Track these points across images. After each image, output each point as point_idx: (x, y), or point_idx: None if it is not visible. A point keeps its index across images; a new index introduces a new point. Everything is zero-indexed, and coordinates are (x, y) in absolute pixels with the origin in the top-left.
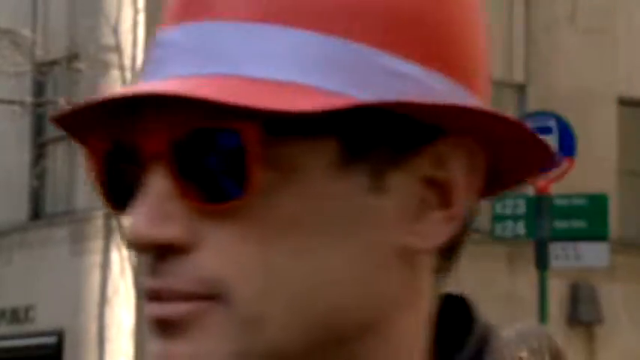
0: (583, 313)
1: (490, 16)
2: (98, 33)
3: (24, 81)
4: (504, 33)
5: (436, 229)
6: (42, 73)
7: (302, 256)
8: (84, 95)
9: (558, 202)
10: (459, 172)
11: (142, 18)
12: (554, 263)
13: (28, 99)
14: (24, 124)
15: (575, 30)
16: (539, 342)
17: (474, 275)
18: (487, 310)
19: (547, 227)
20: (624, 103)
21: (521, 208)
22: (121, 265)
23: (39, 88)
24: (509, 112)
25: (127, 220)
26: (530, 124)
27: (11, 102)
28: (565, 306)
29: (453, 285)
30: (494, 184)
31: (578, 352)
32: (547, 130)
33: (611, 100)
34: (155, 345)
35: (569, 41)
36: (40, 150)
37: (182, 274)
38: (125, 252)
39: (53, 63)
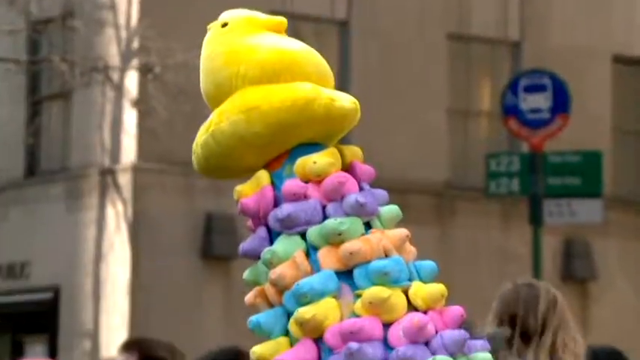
0: (577, 269)
1: None
2: None
3: (19, 39)
4: None
5: None
6: (37, 31)
7: None
8: (79, 53)
9: (552, 159)
10: None
11: None
12: (548, 220)
13: (23, 57)
14: (19, 81)
15: None
16: None
17: (469, 232)
18: (482, 266)
19: (541, 184)
20: (619, 61)
21: (515, 166)
22: (117, 221)
23: (34, 46)
24: (504, 69)
25: (122, 178)
26: (525, 82)
27: (6, 60)
28: (559, 262)
29: (448, 242)
30: None
31: (571, 308)
32: (541, 88)
33: (606, 58)
34: None
35: None
36: (34, 108)
37: None
38: (120, 208)
39: (48, 21)
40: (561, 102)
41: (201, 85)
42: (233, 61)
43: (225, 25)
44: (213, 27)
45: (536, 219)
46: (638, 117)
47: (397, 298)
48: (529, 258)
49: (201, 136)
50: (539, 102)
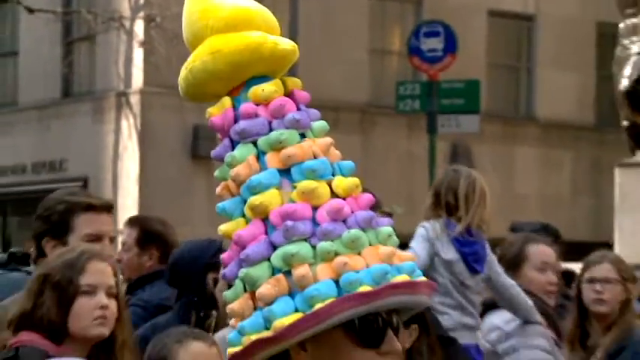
0: (461, 164)
1: None
2: None
3: None
4: None
5: None
6: None
7: None
8: (100, 7)
9: (444, 85)
10: None
11: None
12: (440, 130)
13: (59, 9)
14: (56, 28)
15: None
16: None
17: (383, 140)
18: (393, 165)
19: (435, 104)
20: (492, 14)
21: (417, 90)
22: (129, 130)
23: (67, 1)
24: (410, 20)
25: (133, 99)
26: (424, 30)
27: (46, 11)
28: (448, 161)
29: (369, 147)
30: None
31: None
32: (436, 34)
33: (483, 12)
34: None
35: None
36: (68, 47)
37: None
38: (132, 121)
39: None
40: (451, 44)
41: (183, 33)
42: (204, 16)
43: None
44: None
45: (432, 129)
46: (506, 55)
47: (323, 189)
48: (427, 158)
49: (183, 71)
50: (434, 44)
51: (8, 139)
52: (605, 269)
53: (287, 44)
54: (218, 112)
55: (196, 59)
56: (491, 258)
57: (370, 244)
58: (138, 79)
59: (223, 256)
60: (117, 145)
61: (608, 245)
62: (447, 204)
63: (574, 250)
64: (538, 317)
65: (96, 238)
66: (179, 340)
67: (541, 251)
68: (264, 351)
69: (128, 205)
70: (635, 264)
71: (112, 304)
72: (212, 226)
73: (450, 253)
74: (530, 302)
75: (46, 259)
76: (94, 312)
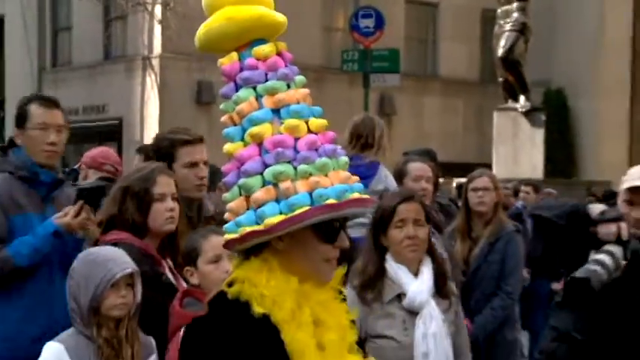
0: (386, 109)
1: None
2: None
3: None
4: None
5: None
6: None
7: None
8: None
9: (375, 53)
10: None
11: None
12: (372, 85)
13: None
14: (98, 9)
15: None
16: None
17: (333, 92)
18: (337, 112)
19: (369, 66)
20: (408, 2)
21: (356, 56)
22: (151, 84)
23: None
24: (350, 6)
25: (154, 62)
26: (361, 13)
27: None
28: (376, 107)
29: (321, 98)
30: None
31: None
32: (370, 16)
33: (402, 1)
34: None
35: None
36: (107, 23)
37: None
38: (154, 78)
39: None
40: (379, 23)
41: (202, 1)
42: None
43: None
44: None
45: (366, 84)
46: (418, 31)
47: (302, 126)
48: (362, 105)
49: (202, 29)
50: (368, 23)
51: (65, 90)
52: (484, 181)
53: (281, 17)
54: (228, 62)
55: (214, 22)
56: (379, 176)
57: (334, 169)
58: (157, 47)
59: (224, 167)
60: (143, 95)
61: (488, 165)
62: (365, 142)
63: (464, 169)
64: None
65: (194, 164)
66: (204, 235)
67: (416, 167)
68: (254, 239)
69: (151, 139)
70: (505, 178)
71: (176, 207)
72: (210, 152)
73: None
74: None
75: (126, 174)
76: (165, 213)
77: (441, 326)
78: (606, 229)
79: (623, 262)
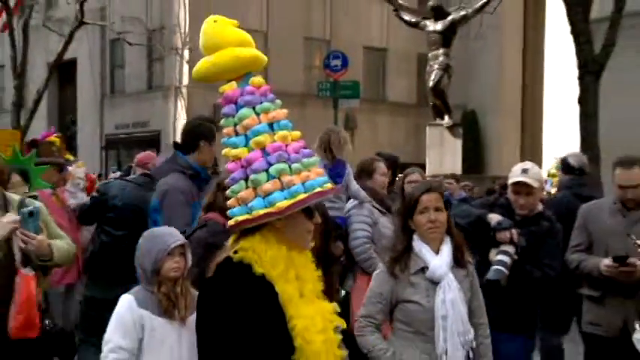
0: (350, 124)
1: None
2: None
3: None
4: None
5: None
6: None
7: None
8: (166, 41)
9: (342, 84)
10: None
11: None
12: (340, 107)
13: (144, 43)
14: (143, 52)
15: None
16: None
17: (312, 113)
18: (315, 128)
19: (338, 93)
20: (365, 48)
21: (328, 86)
22: (182, 107)
23: (149, 38)
24: (324, 51)
25: (184, 90)
26: (332, 56)
27: (139, 44)
28: (343, 123)
29: (303, 118)
30: None
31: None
32: (338, 57)
33: (361, 47)
34: None
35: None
36: (150, 62)
37: None
38: (183, 102)
39: None
40: (345, 63)
41: (200, 42)
42: (224, 35)
43: (215, 21)
44: (209, 20)
45: (335, 106)
46: (372, 69)
47: (289, 136)
48: (333, 122)
49: (205, 63)
50: (337, 63)
51: (120, 111)
52: (416, 175)
53: (264, 57)
54: (229, 89)
55: (219, 58)
56: (349, 171)
57: (313, 167)
58: (185, 80)
59: (228, 166)
60: (175, 114)
61: (422, 165)
62: (330, 148)
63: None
64: (366, 200)
65: None
66: None
67: (381, 166)
68: (265, 219)
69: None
70: (434, 174)
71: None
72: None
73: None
74: (363, 193)
75: (220, 175)
76: None
77: (457, 294)
78: (502, 235)
79: (515, 257)
